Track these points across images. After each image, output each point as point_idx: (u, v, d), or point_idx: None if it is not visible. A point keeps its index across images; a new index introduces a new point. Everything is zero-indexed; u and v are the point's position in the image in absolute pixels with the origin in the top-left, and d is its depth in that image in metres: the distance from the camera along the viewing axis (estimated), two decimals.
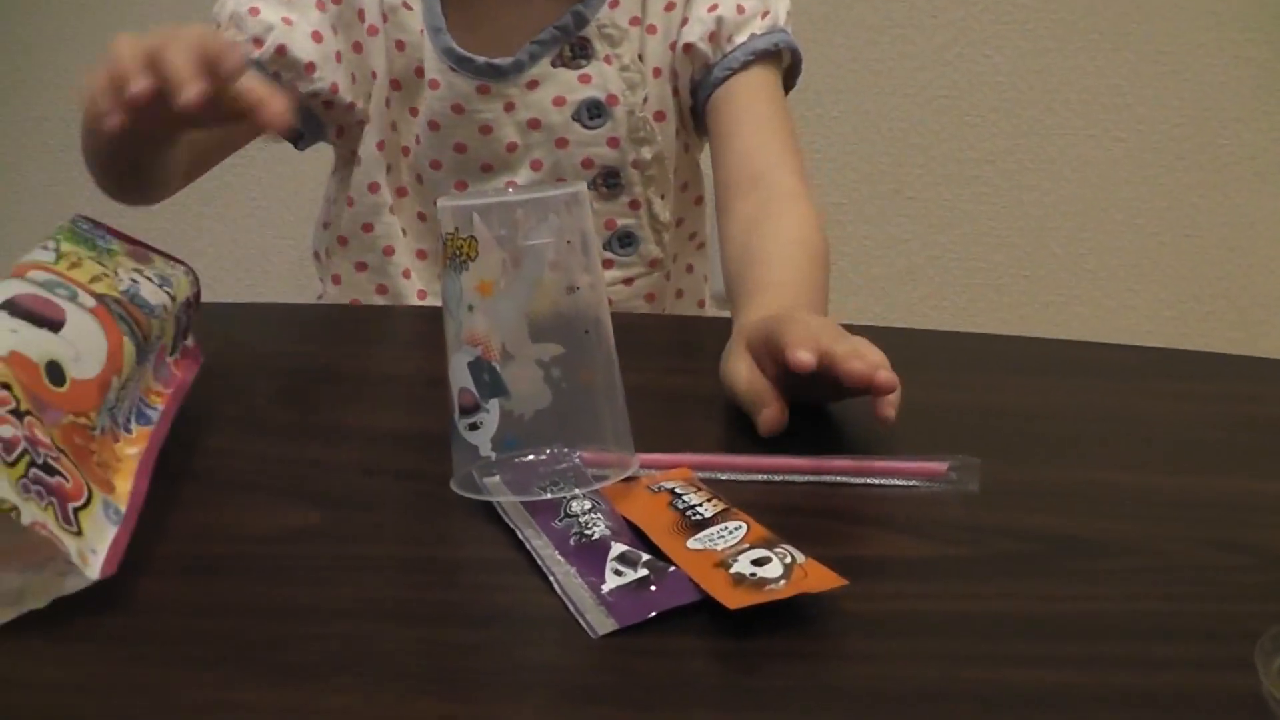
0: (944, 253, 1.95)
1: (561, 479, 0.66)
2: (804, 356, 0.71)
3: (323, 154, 1.16)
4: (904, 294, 1.97)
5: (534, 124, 1.06)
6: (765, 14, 1.07)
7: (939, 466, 0.71)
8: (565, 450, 0.69)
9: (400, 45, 1.06)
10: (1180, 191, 1.93)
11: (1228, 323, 1.98)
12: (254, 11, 1.02)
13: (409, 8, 1.06)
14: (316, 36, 1.03)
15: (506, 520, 0.64)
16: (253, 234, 1.98)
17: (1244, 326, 1.98)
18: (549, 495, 0.65)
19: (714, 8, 1.07)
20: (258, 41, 1.01)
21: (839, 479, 0.71)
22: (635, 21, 1.08)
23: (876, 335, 0.76)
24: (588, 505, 0.63)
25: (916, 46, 1.87)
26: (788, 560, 0.58)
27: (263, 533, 0.66)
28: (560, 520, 0.63)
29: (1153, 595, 0.62)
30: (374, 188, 1.10)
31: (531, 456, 0.69)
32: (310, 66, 1.03)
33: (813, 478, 0.71)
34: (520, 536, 0.63)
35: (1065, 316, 1.97)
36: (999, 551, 0.65)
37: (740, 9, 1.06)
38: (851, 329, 0.76)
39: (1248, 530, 0.68)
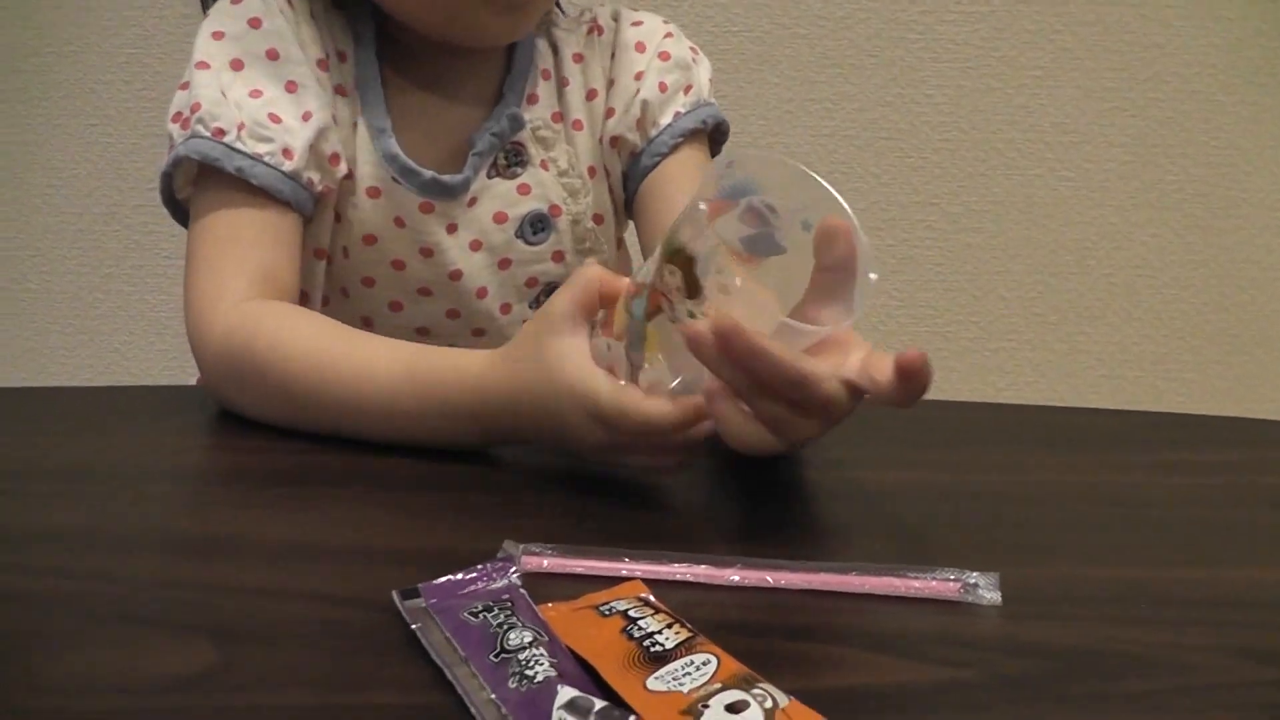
0: (888, 300, 1.88)
1: (495, 602, 0.57)
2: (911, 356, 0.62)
3: None
4: None
5: (475, 245, 0.96)
6: (689, 88, 1.01)
7: (952, 586, 0.62)
8: (501, 565, 0.60)
9: None
10: (1130, 230, 1.87)
11: (1182, 363, 1.93)
12: (274, 119, 0.88)
13: (344, 94, 0.94)
14: (336, 119, 0.91)
15: (434, 656, 0.55)
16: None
17: (1198, 367, 1.93)
18: (478, 620, 0.55)
19: (637, 93, 0.99)
20: (288, 152, 0.88)
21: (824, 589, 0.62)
22: (558, 117, 0.99)
23: None
24: (528, 638, 0.54)
25: (855, 86, 1.80)
26: (768, 704, 0.49)
27: (144, 682, 0.55)
28: (496, 656, 0.53)
29: None
30: (305, 297, 0.96)
31: (461, 575, 0.59)
32: (335, 158, 0.91)
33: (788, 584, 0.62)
34: (450, 677, 0.53)
35: (1015, 362, 1.91)
36: (1008, 674, 0.56)
37: (663, 86, 0.99)
38: None
39: None
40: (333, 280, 0.97)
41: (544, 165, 0.98)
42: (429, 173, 0.93)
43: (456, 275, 0.96)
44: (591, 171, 1.00)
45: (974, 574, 0.62)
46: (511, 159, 0.97)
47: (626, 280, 0.70)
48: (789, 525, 0.71)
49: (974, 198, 1.85)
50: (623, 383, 0.68)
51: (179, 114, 0.90)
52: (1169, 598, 0.63)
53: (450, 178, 0.94)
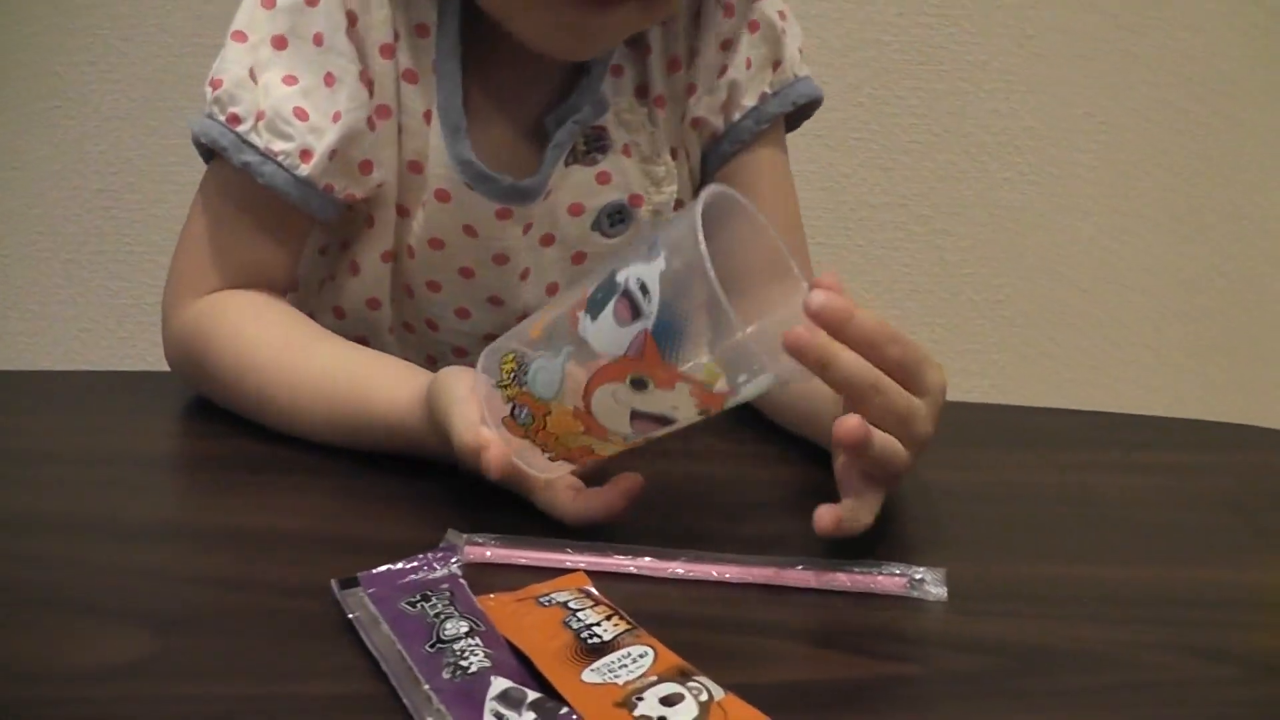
0: (856, 299, 1.87)
1: (434, 591, 0.56)
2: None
3: None
4: None
5: (547, 240, 0.87)
6: (777, 64, 0.90)
7: (898, 581, 0.61)
8: (443, 554, 0.59)
9: (400, 130, 0.84)
10: (1098, 237, 1.87)
11: (1148, 369, 1.92)
12: (301, 114, 0.79)
13: (414, 80, 0.83)
14: (371, 123, 0.82)
15: (369, 646, 0.54)
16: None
17: (1164, 373, 1.93)
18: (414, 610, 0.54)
19: (724, 71, 0.88)
20: (306, 155, 0.79)
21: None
22: (641, 92, 0.88)
23: None
24: (464, 628, 0.53)
25: (827, 86, 1.76)
26: (703, 697, 0.48)
27: (79, 669, 0.54)
28: (432, 646, 0.52)
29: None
30: (374, 303, 0.89)
31: (401, 564, 0.58)
32: (366, 165, 0.82)
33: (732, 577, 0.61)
34: (384, 667, 0.52)
35: (981, 365, 1.91)
36: (953, 670, 0.55)
37: (749, 62, 0.89)
38: None
39: (1231, 633, 0.60)
40: (396, 279, 0.89)
41: (626, 151, 0.87)
42: (507, 179, 0.84)
43: (525, 275, 0.88)
44: (673, 154, 0.90)
45: (920, 569, 0.61)
46: (592, 144, 0.86)
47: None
48: (736, 519, 0.70)
49: (944, 200, 1.84)
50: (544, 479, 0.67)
51: (212, 79, 0.81)
52: (1118, 596, 0.63)
53: (529, 181, 0.84)
